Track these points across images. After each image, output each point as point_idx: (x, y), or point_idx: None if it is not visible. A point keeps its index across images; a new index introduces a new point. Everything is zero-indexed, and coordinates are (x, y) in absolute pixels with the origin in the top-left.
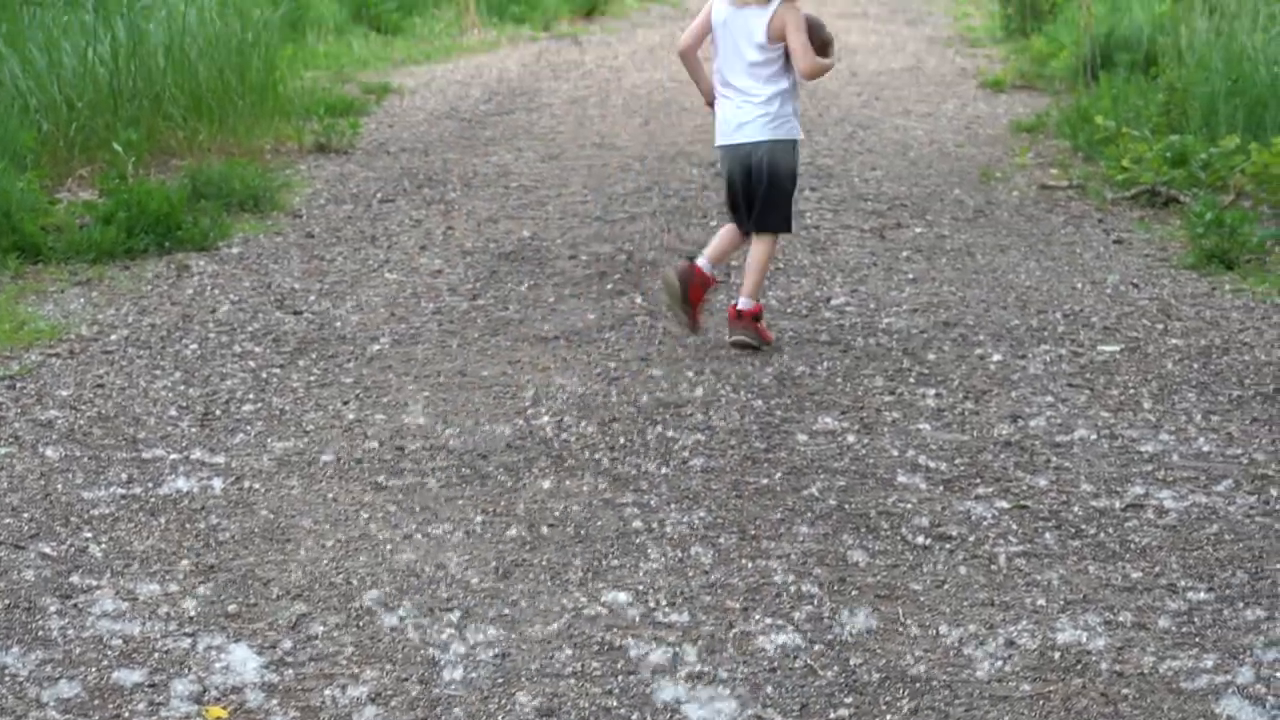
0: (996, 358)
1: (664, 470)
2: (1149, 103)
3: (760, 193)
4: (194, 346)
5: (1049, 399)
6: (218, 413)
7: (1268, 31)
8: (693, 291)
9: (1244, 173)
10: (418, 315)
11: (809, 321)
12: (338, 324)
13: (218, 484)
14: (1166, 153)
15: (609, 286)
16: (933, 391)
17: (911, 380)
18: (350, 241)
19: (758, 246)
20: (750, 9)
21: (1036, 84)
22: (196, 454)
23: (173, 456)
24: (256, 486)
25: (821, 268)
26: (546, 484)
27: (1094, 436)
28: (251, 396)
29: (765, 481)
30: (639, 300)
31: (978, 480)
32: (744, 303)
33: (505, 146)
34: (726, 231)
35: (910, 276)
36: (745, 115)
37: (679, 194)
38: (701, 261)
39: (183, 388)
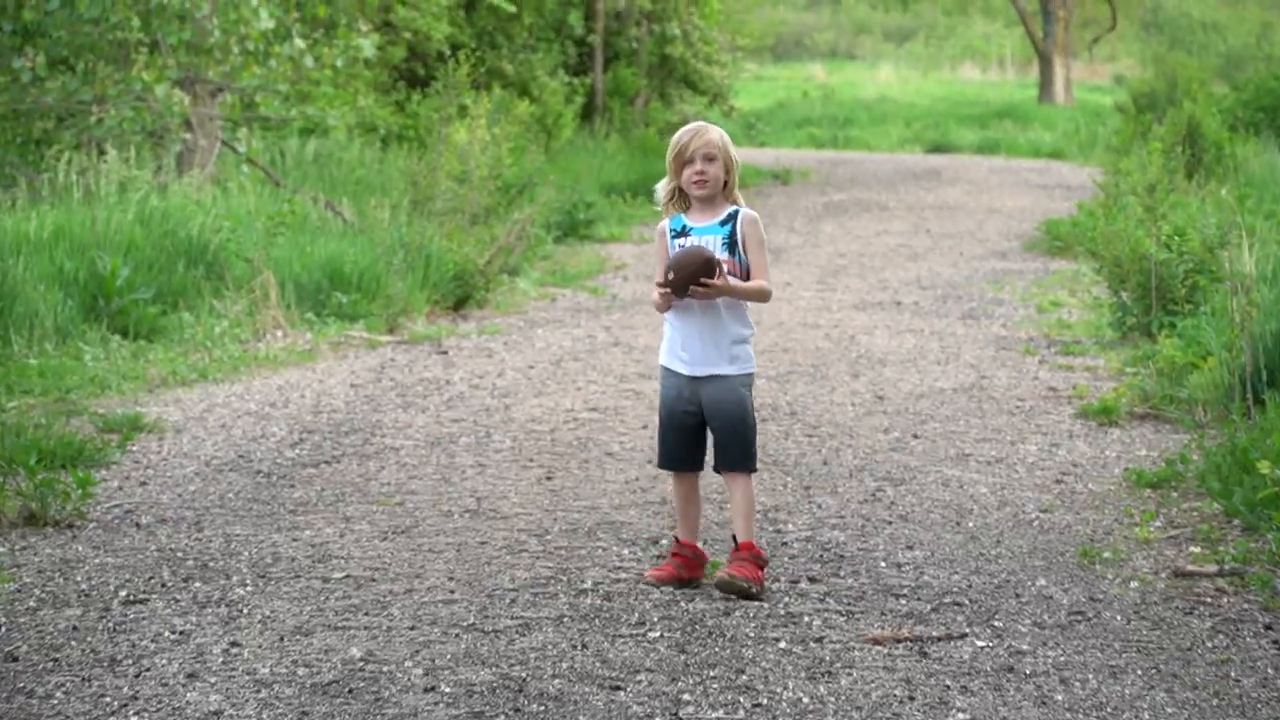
0: None
1: None
2: None
3: None
4: None
5: None
6: None
7: None
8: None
9: None
10: None
11: None
12: None
13: None
14: None
15: None
16: None
17: None
18: (76, 667)
19: None
20: None
21: (1167, 412)
22: None
23: None
24: None
25: (827, 703)
26: None
27: None
28: None
29: None
30: None
31: None
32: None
33: (325, 515)
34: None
35: (968, 717)
36: None
37: (600, 589)
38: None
39: None
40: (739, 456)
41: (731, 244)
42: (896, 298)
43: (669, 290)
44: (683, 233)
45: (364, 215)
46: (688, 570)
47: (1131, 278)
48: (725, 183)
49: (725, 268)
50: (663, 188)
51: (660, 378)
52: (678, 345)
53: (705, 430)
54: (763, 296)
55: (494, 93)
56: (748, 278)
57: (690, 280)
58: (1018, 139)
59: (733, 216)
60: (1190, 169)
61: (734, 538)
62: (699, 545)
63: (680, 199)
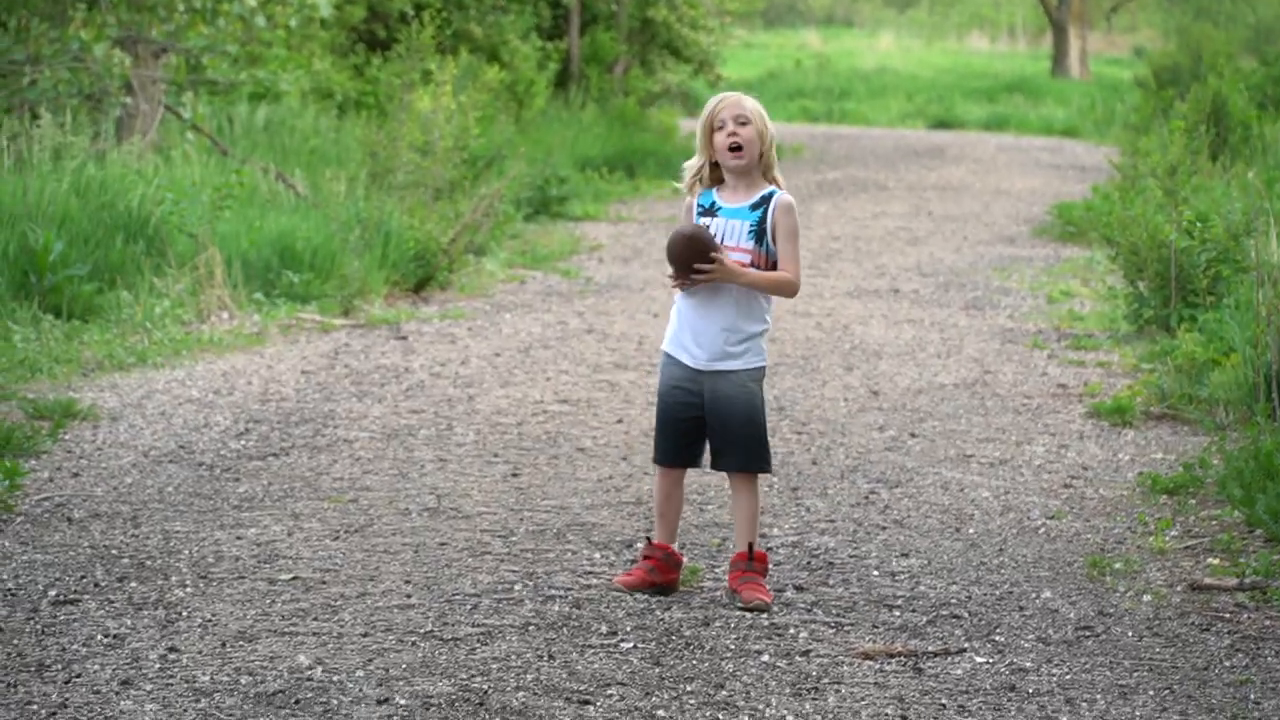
0: None
1: None
2: None
3: None
4: None
5: None
6: None
7: None
8: None
9: None
10: None
11: None
12: None
13: None
14: None
15: None
16: None
17: None
18: (1, 672)
19: None
20: None
21: (1185, 412)
22: None
23: None
24: None
25: None
26: None
27: None
28: None
29: None
30: None
31: None
32: None
33: (272, 511)
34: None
35: None
36: None
37: (569, 595)
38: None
39: None
40: (748, 457)
41: (759, 232)
42: (894, 285)
43: (675, 280)
44: (710, 211)
45: (318, 188)
46: (661, 575)
47: (1149, 267)
48: (761, 155)
49: (718, 242)
50: (690, 166)
51: (661, 364)
52: (685, 334)
53: (705, 425)
54: (785, 288)
55: (461, 57)
56: (773, 269)
57: (687, 267)
58: (1028, 115)
59: (766, 200)
60: (1215, 150)
61: (750, 547)
62: (674, 548)
63: (712, 176)
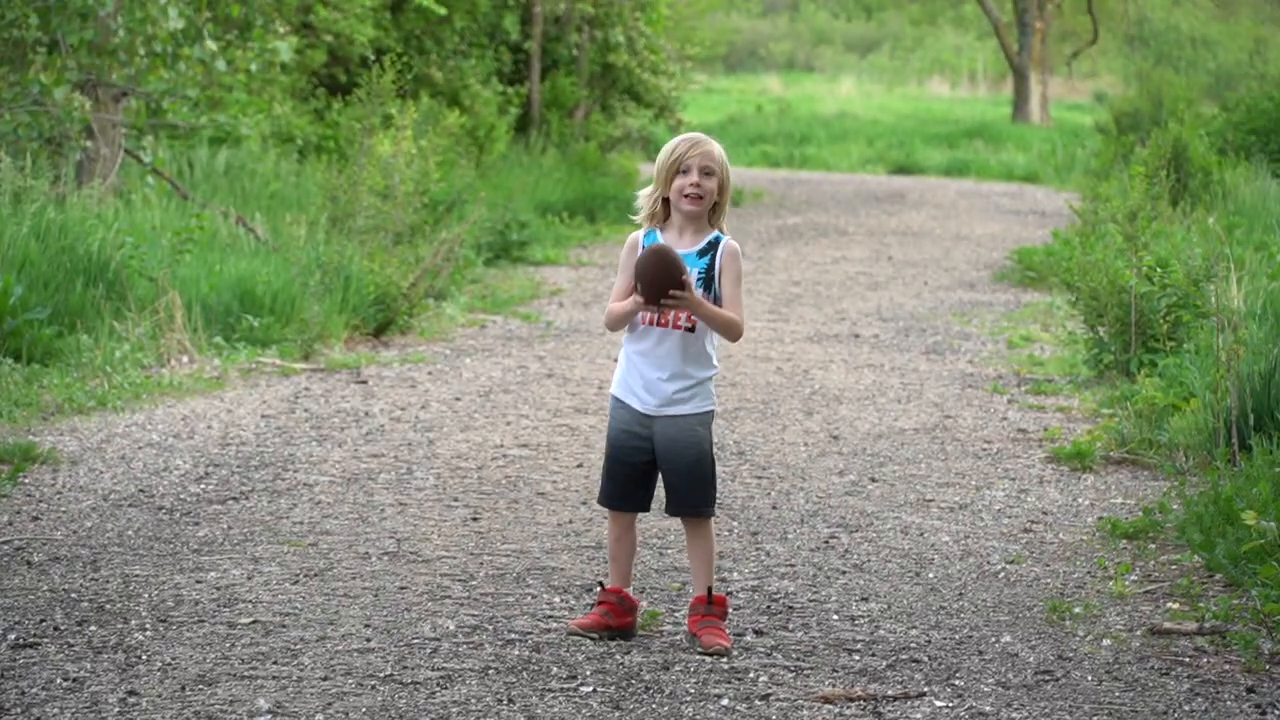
0: None
1: None
2: None
3: None
4: None
5: None
6: None
7: None
8: None
9: None
10: None
11: None
12: None
13: None
14: None
15: None
16: None
17: None
18: None
19: None
20: None
21: (1145, 457)
22: None
23: None
24: None
25: None
26: None
27: None
28: None
29: None
30: None
31: None
32: None
33: (231, 555)
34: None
35: None
36: None
37: (528, 639)
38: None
39: None
40: (691, 500)
41: (708, 279)
42: (855, 330)
43: (645, 303)
44: None
45: (278, 232)
46: (615, 618)
47: (1110, 312)
48: (715, 204)
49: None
50: (645, 197)
51: (610, 408)
52: (634, 378)
53: (655, 470)
54: (733, 330)
55: (421, 102)
56: None
57: (656, 287)
58: (989, 160)
59: (713, 246)
60: (1175, 195)
61: (709, 590)
62: (628, 591)
63: (660, 213)
